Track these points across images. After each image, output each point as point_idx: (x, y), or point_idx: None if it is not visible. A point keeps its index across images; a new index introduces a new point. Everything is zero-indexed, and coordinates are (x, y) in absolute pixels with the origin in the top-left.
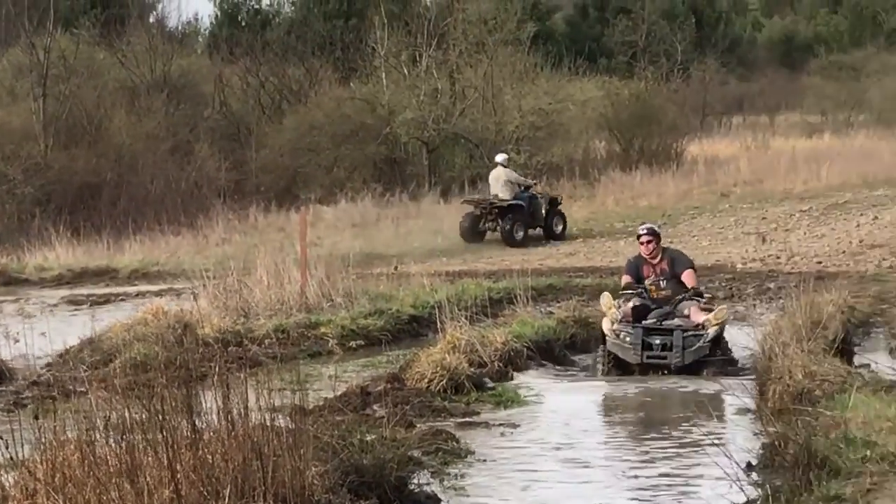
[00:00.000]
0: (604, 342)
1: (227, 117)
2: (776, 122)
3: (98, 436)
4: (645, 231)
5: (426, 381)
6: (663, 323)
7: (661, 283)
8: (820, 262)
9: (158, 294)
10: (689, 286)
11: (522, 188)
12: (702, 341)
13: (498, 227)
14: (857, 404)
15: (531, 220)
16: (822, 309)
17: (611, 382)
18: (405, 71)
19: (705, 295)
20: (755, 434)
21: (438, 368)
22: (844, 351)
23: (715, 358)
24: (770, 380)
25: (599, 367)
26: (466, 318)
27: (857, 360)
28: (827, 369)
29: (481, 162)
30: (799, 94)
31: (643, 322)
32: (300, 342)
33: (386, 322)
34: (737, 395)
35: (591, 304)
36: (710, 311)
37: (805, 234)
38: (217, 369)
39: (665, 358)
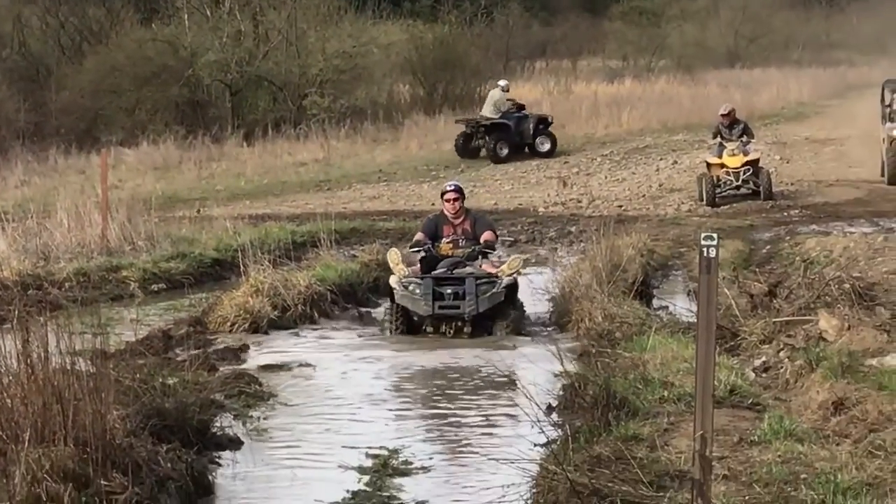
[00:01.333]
0: (392, 299)
1: (26, 58)
2: (578, 67)
3: None
4: (452, 188)
5: (229, 324)
6: (454, 272)
7: (460, 241)
8: (620, 206)
9: None
10: (484, 240)
11: (514, 109)
12: (496, 287)
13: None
14: (656, 346)
15: (518, 139)
16: (622, 252)
17: (405, 338)
18: (207, 12)
19: (496, 251)
20: (556, 376)
21: (241, 311)
22: (644, 293)
23: (510, 311)
24: (570, 322)
25: (389, 325)
26: (270, 261)
27: (655, 302)
28: (626, 311)
29: (285, 105)
30: (601, 39)
31: (433, 273)
32: (101, 285)
33: (188, 265)
34: (537, 340)
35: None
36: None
37: (606, 178)
38: (16, 313)
39: (458, 307)
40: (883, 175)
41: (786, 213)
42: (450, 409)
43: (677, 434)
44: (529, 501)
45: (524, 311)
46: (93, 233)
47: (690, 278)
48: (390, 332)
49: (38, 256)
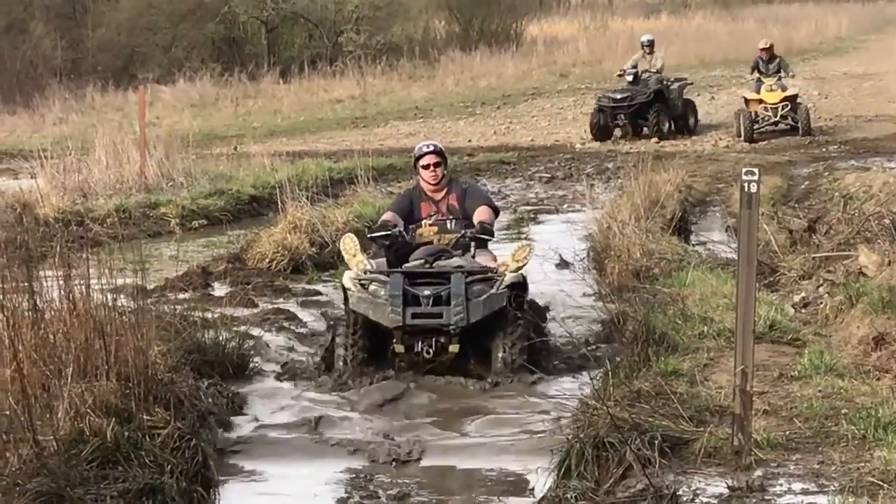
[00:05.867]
0: (346, 304)
1: None
2: (615, 3)
3: None
4: (431, 149)
5: (267, 260)
6: (435, 264)
7: (447, 224)
8: (658, 142)
9: None
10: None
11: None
12: (495, 288)
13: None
14: (694, 281)
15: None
16: (661, 188)
17: None
18: None
19: (495, 237)
20: (595, 311)
21: (279, 248)
22: (682, 229)
23: (515, 323)
24: (609, 258)
25: (341, 352)
26: (307, 198)
27: (693, 238)
28: (665, 247)
29: (321, 41)
30: None
31: (405, 265)
32: (141, 222)
33: (226, 202)
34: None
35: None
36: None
37: None
38: (58, 249)
39: (440, 316)
40: None
41: (824, 149)
42: None
43: (717, 369)
44: (570, 436)
45: (533, 317)
46: (131, 170)
47: (729, 214)
48: (344, 362)
49: (77, 193)
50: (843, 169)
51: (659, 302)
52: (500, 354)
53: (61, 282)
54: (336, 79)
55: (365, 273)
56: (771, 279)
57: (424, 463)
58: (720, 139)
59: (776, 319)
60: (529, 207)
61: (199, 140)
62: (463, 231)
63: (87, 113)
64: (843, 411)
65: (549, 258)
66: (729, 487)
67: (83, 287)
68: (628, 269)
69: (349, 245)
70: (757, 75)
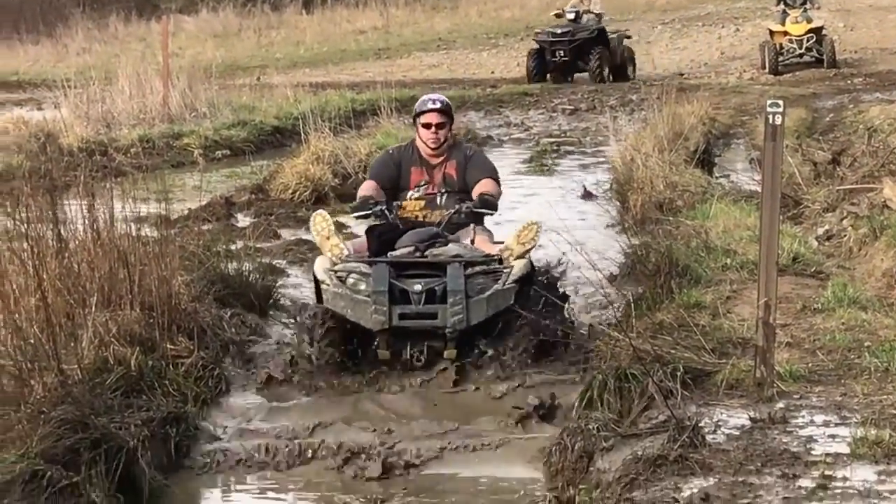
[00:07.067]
0: (318, 298)
1: None
2: None
3: None
4: (435, 105)
5: (290, 191)
6: (428, 253)
7: (438, 198)
8: (682, 74)
9: (19, 104)
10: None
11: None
12: (501, 282)
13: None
14: (718, 214)
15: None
16: (684, 120)
17: None
18: None
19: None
20: (618, 243)
21: (302, 179)
22: (705, 162)
23: (522, 319)
24: (632, 190)
25: (309, 346)
26: (330, 129)
27: (717, 170)
28: (688, 180)
29: None
30: None
31: (391, 253)
32: (164, 152)
33: (249, 133)
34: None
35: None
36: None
37: (667, 46)
38: (82, 179)
39: (434, 316)
40: None
41: (849, 81)
42: None
43: (740, 302)
44: (593, 368)
45: (551, 296)
46: (154, 100)
47: (752, 146)
48: (313, 358)
49: (100, 123)
50: (867, 101)
51: (682, 234)
52: (502, 358)
53: (85, 211)
54: (359, 9)
55: (343, 260)
56: (794, 212)
57: (421, 471)
58: (745, 71)
59: (799, 252)
60: (552, 139)
61: (221, 71)
62: (459, 205)
63: (110, 43)
64: (865, 344)
65: (573, 190)
66: (751, 419)
67: (107, 217)
68: (651, 202)
69: (321, 225)
70: (782, 7)
